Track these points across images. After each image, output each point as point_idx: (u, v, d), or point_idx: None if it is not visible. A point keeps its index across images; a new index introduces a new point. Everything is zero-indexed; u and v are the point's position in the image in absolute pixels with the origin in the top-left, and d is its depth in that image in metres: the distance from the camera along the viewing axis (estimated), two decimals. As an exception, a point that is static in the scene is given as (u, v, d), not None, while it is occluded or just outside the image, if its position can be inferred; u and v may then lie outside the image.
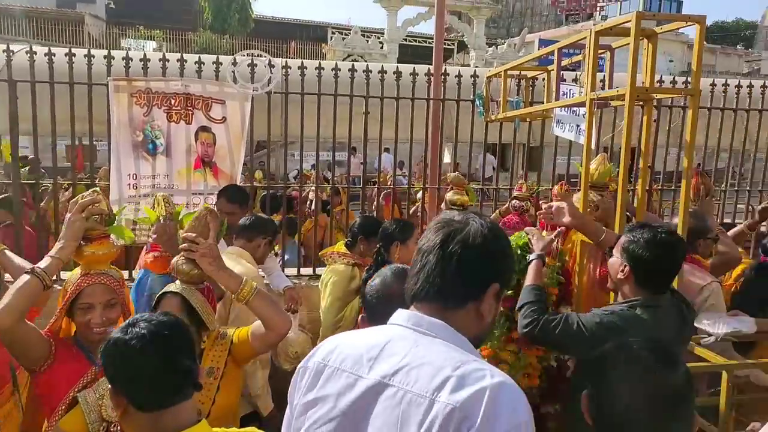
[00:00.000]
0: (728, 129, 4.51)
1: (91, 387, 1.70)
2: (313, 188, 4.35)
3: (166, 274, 2.20)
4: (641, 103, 2.42)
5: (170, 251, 2.16)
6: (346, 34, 22.89)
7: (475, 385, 0.97)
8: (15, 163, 3.58)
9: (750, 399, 2.43)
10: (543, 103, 3.32)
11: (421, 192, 4.30)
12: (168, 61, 3.59)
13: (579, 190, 2.76)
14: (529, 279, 2.23)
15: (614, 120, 3.70)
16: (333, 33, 23.64)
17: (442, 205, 3.78)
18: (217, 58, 3.68)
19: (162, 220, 2.22)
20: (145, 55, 3.60)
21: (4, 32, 20.69)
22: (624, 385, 1.25)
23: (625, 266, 1.96)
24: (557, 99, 2.88)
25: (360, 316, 1.63)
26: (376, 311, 1.48)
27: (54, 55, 3.42)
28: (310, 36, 26.79)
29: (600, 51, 2.56)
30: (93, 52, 3.50)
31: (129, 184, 3.56)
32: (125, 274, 2.87)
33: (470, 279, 1.10)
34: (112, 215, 2.00)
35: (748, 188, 4.91)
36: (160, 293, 1.90)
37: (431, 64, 4.09)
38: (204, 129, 3.68)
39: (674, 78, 4.36)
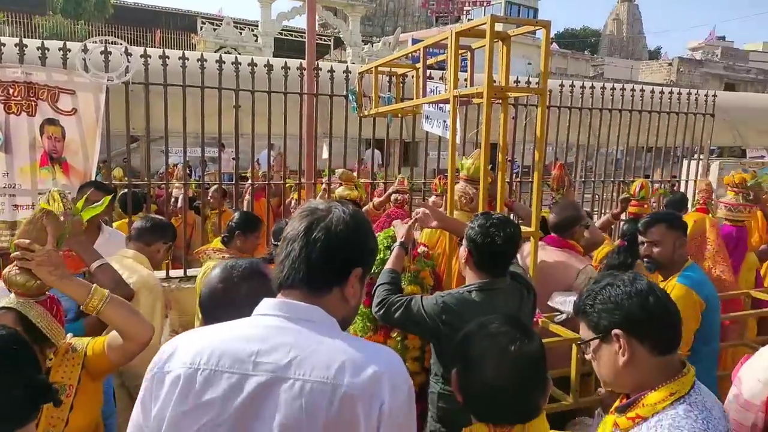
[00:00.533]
0: (576, 126, 5.00)
1: None
2: (178, 185, 4.13)
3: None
4: (499, 100, 2.60)
5: (78, 250, 2.07)
6: (217, 25, 21.92)
7: (371, 364, 1.04)
8: None
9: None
10: (413, 99, 3.44)
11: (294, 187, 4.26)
12: (4, 45, 3.19)
13: (457, 182, 2.90)
14: (388, 263, 2.35)
15: (478, 116, 3.94)
16: (203, 23, 22.52)
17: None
18: (65, 44, 3.34)
19: (62, 218, 1.95)
20: (-25, 38, 3.16)
21: None
22: (488, 359, 1.33)
23: (466, 249, 2.11)
24: (425, 95, 2.99)
25: None
26: (207, 312, 1.44)
27: None
28: (177, 25, 25.19)
29: (461, 51, 2.70)
30: None
31: (-41, 185, 3.12)
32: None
33: (334, 264, 1.14)
34: None
35: (592, 179, 5.48)
36: None
37: (306, 59, 4.06)
38: (51, 122, 3.32)
39: (529, 78, 4.74)
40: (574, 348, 2.44)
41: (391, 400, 1.03)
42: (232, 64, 3.72)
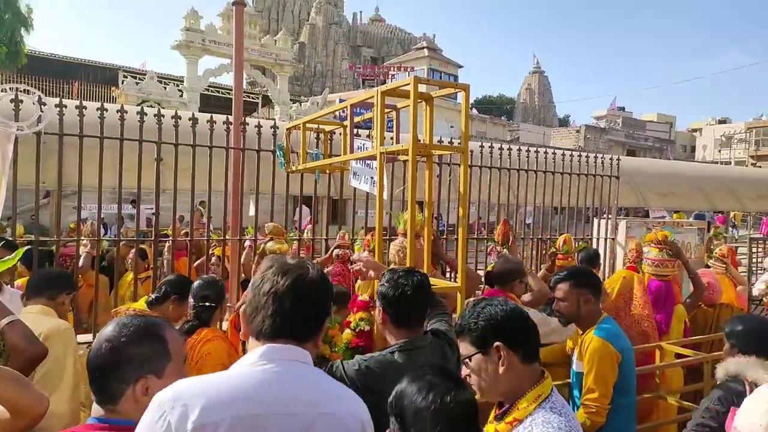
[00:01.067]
0: (497, 185, 5.25)
1: None
2: (85, 243, 3.87)
3: None
4: (424, 158, 2.69)
5: None
6: (140, 79, 21.53)
7: (356, 398, 1.40)
8: None
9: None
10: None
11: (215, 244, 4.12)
12: None
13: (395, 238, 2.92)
14: None
15: (404, 174, 4.04)
16: (125, 77, 22.07)
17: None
18: (-31, 91, 3.15)
19: None
20: None
21: None
22: (425, 411, 1.34)
23: (380, 310, 2.09)
24: (352, 152, 3.04)
25: None
26: (90, 373, 1.34)
27: None
28: (98, 78, 24.45)
29: (387, 110, 2.79)
30: None
31: None
32: None
33: (320, 317, 1.34)
34: None
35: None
36: None
37: (233, 115, 4.03)
38: (-52, 172, 3.06)
39: (452, 139, 4.96)
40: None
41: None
42: (155, 116, 3.63)
